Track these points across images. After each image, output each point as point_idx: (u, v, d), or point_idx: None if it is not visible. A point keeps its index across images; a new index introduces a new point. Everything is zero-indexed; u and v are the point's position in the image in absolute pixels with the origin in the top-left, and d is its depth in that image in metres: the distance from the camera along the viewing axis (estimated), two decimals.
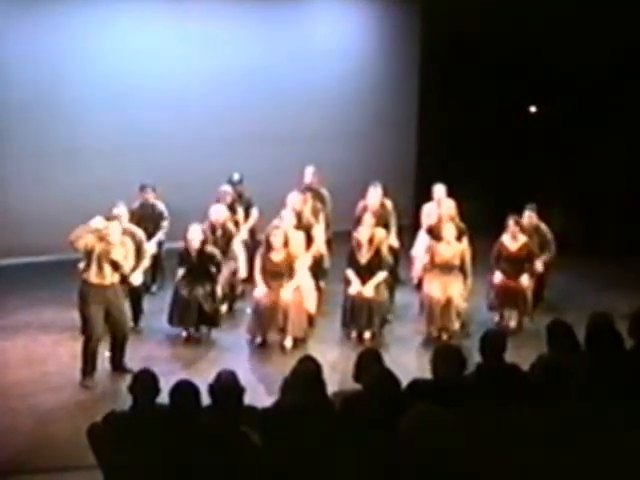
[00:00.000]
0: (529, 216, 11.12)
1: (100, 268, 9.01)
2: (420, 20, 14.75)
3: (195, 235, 10.12)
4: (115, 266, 9.06)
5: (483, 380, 6.12)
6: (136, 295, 10.38)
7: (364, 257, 10.28)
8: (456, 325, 10.14)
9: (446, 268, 10.32)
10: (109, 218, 9.36)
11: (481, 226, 11.89)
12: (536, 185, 11.83)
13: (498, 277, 10.56)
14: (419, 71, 14.99)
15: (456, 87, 13.95)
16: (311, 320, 10.38)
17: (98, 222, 9.07)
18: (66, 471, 7.28)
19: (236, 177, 11.96)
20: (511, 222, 10.67)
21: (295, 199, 11.06)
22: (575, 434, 5.14)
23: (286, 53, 14.07)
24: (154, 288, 11.26)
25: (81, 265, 9.22)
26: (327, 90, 14.27)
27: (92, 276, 9.01)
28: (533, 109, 14.65)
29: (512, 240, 10.61)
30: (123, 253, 9.15)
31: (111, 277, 9.09)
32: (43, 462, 7.48)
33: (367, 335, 10.20)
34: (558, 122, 13.94)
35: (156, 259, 11.24)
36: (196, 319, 10.13)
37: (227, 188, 11.62)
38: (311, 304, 10.36)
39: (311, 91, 14.16)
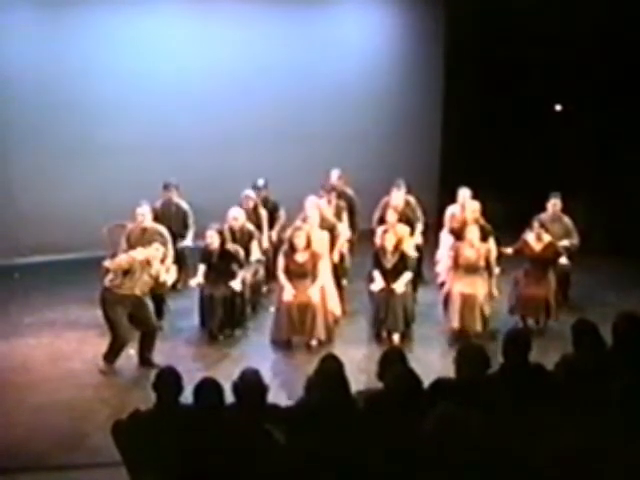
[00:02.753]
0: (554, 204, 11.11)
1: (133, 281, 9.13)
2: (445, 20, 14.70)
3: (212, 239, 10.15)
4: (156, 280, 9.30)
5: (507, 380, 6.10)
6: (159, 293, 10.45)
7: (389, 262, 10.26)
8: (479, 326, 10.08)
9: (470, 269, 10.27)
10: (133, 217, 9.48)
11: (505, 226, 11.86)
12: (561, 185, 11.75)
13: (523, 283, 10.47)
14: (444, 72, 14.94)
15: (481, 87, 13.89)
16: (335, 320, 10.38)
17: (139, 254, 9.21)
18: (91, 468, 7.33)
19: (260, 182, 11.93)
20: (536, 223, 10.63)
21: (313, 202, 10.98)
22: (603, 434, 5.09)
23: (312, 53, 14.08)
24: (179, 285, 11.31)
25: (109, 266, 9.26)
26: (352, 90, 14.25)
27: (122, 288, 9.13)
28: (559, 107, 14.51)
29: (537, 241, 10.54)
30: (161, 267, 9.40)
31: (141, 287, 9.20)
32: (69, 458, 7.53)
33: (396, 337, 10.16)
34: (584, 122, 13.83)
35: (181, 256, 11.28)
36: (221, 320, 10.16)
37: (250, 193, 11.61)
38: (334, 304, 10.35)
39: (336, 91, 14.14)
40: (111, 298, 9.13)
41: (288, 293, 9.98)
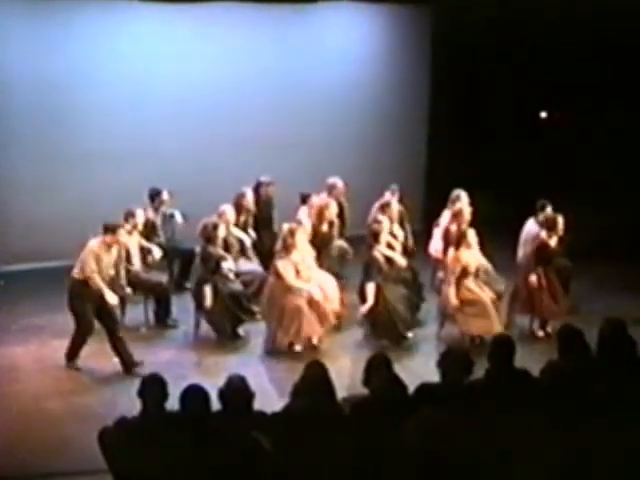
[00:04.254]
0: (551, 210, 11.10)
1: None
2: (432, 23, 14.72)
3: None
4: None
5: (492, 385, 6.12)
6: (163, 293, 10.61)
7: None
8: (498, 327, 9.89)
9: (470, 273, 10.24)
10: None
11: (495, 228, 11.93)
12: (549, 187, 11.83)
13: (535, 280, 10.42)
14: (430, 74, 14.95)
15: (468, 89, 13.92)
16: (338, 318, 10.36)
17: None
18: (77, 475, 7.31)
19: (264, 178, 12.04)
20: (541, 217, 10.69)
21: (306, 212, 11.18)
22: (586, 438, 5.15)
23: (299, 57, 14.06)
24: (188, 284, 11.29)
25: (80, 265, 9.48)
26: (339, 94, 14.25)
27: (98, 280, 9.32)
28: (544, 114, 14.55)
29: (549, 237, 10.49)
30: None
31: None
32: (54, 466, 7.51)
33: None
34: (572, 124, 13.86)
35: (191, 257, 11.18)
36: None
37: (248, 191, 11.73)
38: (335, 303, 10.29)
39: (324, 97, 14.14)
40: (82, 290, 9.39)
41: (315, 291, 9.95)
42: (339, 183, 12.02)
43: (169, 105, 13.25)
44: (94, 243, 9.52)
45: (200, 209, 11.30)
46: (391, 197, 11.66)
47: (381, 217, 10.84)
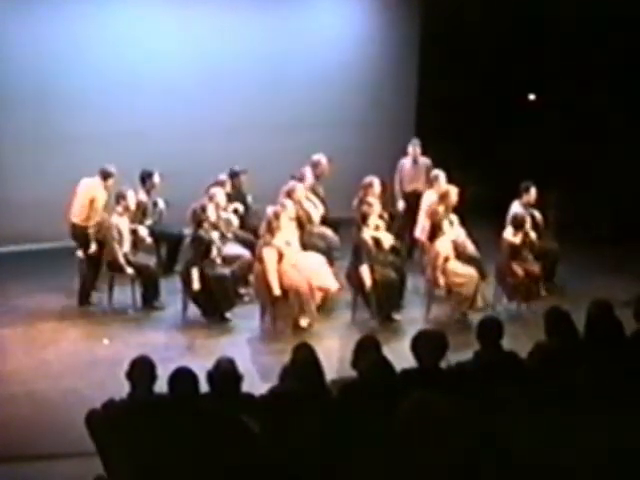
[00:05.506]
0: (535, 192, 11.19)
1: None
2: (419, 5, 14.66)
3: None
4: None
5: (481, 367, 6.13)
6: (151, 276, 10.62)
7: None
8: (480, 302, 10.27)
9: (451, 258, 10.37)
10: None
11: (481, 212, 11.96)
12: (534, 171, 11.83)
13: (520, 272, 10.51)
14: (419, 57, 14.89)
15: (456, 73, 13.87)
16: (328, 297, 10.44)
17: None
18: (65, 458, 7.31)
19: (236, 168, 11.99)
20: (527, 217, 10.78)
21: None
22: (574, 420, 5.13)
23: (285, 40, 13.91)
24: (177, 267, 11.32)
25: None
26: (326, 77, 14.12)
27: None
28: (532, 97, 14.52)
29: (515, 236, 10.61)
30: None
31: None
32: (42, 449, 7.51)
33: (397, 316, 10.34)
34: (557, 108, 13.82)
35: (178, 241, 11.37)
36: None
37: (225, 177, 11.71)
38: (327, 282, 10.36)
39: (311, 79, 14.03)
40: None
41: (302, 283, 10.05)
42: (323, 159, 12.13)
43: (154, 88, 13.09)
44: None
45: (187, 192, 11.30)
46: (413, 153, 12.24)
47: (371, 199, 10.86)
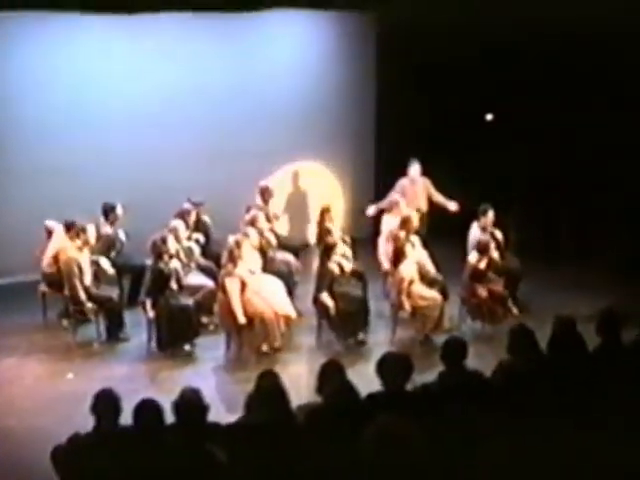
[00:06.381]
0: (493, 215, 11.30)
1: None
2: (376, 28, 14.70)
3: None
4: None
5: (446, 388, 6.14)
6: (114, 308, 10.57)
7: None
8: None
9: (415, 281, 10.48)
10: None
11: (441, 231, 12.11)
12: (495, 187, 11.96)
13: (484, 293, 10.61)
14: (377, 80, 14.95)
15: (414, 94, 13.90)
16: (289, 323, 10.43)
17: None
18: None
19: (197, 199, 11.98)
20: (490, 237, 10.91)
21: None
22: (540, 438, 5.15)
23: (244, 66, 13.90)
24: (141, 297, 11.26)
25: None
26: (285, 102, 14.13)
27: None
28: (489, 117, 14.60)
29: (479, 261, 10.70)
30: None
31: None
32: None
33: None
34: (518, 125, 13.86)
35: (141, 271, 11.31)
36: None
37: (189, 206, 11.73)
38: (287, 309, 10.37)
39: (269, 103, 14.02)
40: None
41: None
42: (270, 184, 12.33)
43: (114, 118, 13.07)
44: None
45: (149, 221, 11.26)
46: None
47: (329, 225, 10.95)
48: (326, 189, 14.43)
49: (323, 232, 11.37)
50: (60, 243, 10.83)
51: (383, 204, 12.32)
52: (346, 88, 14.70)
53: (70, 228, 10.83)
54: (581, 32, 12.26)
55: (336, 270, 10.41)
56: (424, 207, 12.53)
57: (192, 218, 11.65)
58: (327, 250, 10.55)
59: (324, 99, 14.57)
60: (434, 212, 12.59)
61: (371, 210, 12.08)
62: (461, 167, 12.96)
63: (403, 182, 12.57)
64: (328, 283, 10.34)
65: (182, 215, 11.51)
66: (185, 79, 13.45)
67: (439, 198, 12.54)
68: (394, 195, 12.25)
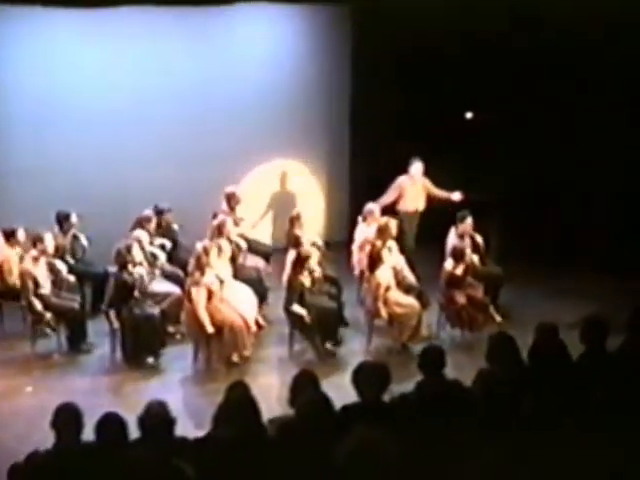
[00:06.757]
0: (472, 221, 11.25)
1: None
2: (351, 22, 14.49)
3: None
4: None
5: (424, 398, 6.02)
6: (75, 318, 10.29)
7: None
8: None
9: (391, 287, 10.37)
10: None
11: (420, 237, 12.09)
12: (477, 194, 11.90)
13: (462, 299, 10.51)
14: (351, 75, 14.72)
15: (390, 90, 13.72)
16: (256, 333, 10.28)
17: None
18: None
19: (163, 205, 11.78)
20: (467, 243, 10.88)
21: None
22: (521, 449, 5.07)
23: (216, 62, 13.65)
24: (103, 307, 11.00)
25: None
26: (258, 98, 13.79)
27: None
28: (469, 115, 14.41)
29: (455, 268, 10.58)
30: None
31: None
32: None
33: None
34: (497, 129, 13.72)
35: (103, 279, 10.88)
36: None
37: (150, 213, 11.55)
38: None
39: (242, 100, 13.70)
40: None
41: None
42: (237, 190, 12.22)
43: (80, 118, 12.83)
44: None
45: (113, 227, 11.12)
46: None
47: (298, 232, 10.94)
48: (303, 187, 14.26)
49: (292, 239, 11.19)
50: (2, 252, 10.55)
51: (384, 200, 12.15)
52: (320, 83, 14.44)
53: (9, 236, 10.52)
54: (550, 28, 12.22)
55: (307, 283, 10.26)
56: (421, 207, 12.43)
57: (152, 225, 11.44)
58: (300, 261, 10.33)
59: (298, 95, 14.29)
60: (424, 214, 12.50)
61: (376, 211, 11.76)
62: (440, 167, 12.73)
63: (403, 180, 12.37)
64: (298, 296, 10.19)
65: (140, 223, 11.29)
66: (151, 77, 13.16)
67: (441, 193, 12.43)
68: (391, 193, 12.24)
